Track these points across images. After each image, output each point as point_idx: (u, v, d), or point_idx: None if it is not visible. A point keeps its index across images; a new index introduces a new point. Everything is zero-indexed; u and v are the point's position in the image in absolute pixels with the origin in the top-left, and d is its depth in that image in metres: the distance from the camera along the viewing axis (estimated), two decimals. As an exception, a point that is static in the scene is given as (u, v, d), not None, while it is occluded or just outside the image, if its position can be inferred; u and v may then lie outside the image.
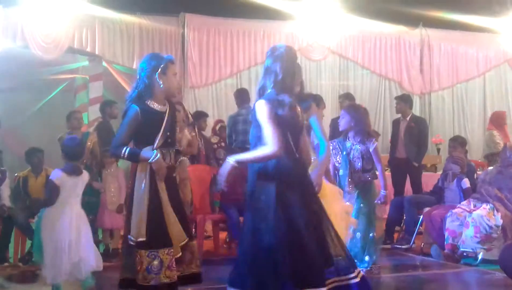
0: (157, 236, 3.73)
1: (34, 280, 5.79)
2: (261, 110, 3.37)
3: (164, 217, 3.77)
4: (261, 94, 3.51)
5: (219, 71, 10.42)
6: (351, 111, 5.62)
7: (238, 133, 7.94)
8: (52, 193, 4.73)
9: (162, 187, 3.81)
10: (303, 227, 3.32)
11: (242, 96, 8.47)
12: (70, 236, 4.69)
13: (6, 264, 6.30)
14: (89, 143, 7.09)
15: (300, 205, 3.36)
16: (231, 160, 3.35)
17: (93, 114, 10.21)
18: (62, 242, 4.63)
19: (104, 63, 10.15)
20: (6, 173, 6.81)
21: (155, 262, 3.69)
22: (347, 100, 8.53)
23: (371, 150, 5.46)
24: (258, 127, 3.40)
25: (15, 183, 6.84)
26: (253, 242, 3.35)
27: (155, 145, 3.79)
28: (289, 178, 3.39)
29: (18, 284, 5.64)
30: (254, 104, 3.46)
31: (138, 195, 3.76)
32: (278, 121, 3.36)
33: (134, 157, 3.77)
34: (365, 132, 5.53)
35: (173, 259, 3.76)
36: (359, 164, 5.47)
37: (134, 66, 9.69)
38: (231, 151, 7.10)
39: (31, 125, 10.54)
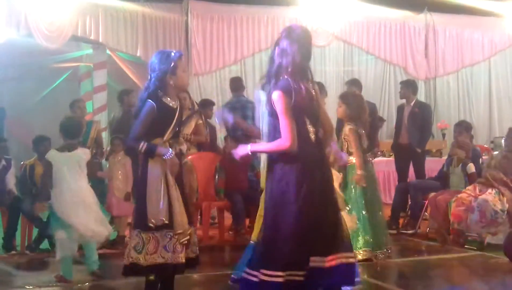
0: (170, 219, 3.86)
1: (42, 268, 5.84)
2: (278, 101, 3.38)
3: (172, 204, 3.88)
4: (276, 77, 3.48)
5: (223, 58, 10.40)
6: (347, 100, 5.70)
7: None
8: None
9: (172, 180, 3.94)
10: (321, 211, 3.40)
11: (235, 84, 8.43)
12: (78, 211, 4.88)
13: (13, 252, 6.34)
14: (92, 132, 7.09)
15: (318, 190, 3.41)
16: (248, 147, 3.49)
17: (97, 102, 10.24)
18: (70, 218, 4.87)
19: (108, 51, 10.15)
20: (11, 162, 6.85)
21: (169, 242, 3.82)
22: (354, 86, 8.50)
23: (346, 132, 5.63)
24: (274, 116, 3.43)
25: (22, 172, 6.86)
26: (275, 226, 3.42)
27: (164, 138, 3.92)
28: (307, 164, 3.42)
29: (26, 272, 5.68)
30: (271, 93, 3.44)
31: (154, 181, 3.86)
32: (295, 109, 3.38)
33: (150, 153, 3.88)
34: (361, 119, 5.64)
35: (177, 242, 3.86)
36: (345, 146, 5.62)
37: (138, 54, 9.70)
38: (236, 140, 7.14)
39: (35, 114, 10.56)
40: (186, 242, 3.86)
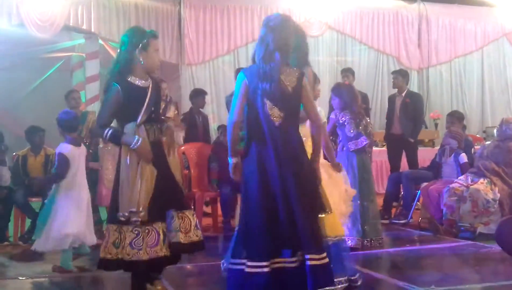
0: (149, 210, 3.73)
1: (35, 259, 5.81)
2: (237, 80, 3.56)
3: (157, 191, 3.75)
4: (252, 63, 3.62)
5: (216, 48, 10.38)
6: (340, 91, 5.73)
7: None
8: (63, 166, 4.84)
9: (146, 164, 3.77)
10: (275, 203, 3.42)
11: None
12: (79, 211, 4.90)
13: (6, 243, 6.33)
14: (87, 122, 7.07)
15: (273, 175, 3.43)
16: (230, 160, 3.60)
17: (90, 92, 10.18)
18: (78, 211, 4.87)
19: (100, 41, 10.09)
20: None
21: (138, 238, 3.69)
22: (350, 74, 8.50)
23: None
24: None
25: (14, 162, 6.83)
26: (243, 214, 3.54)
27: (138, 121, 3.74)
28: (265, 147, 3.46)
29: (19, 263, 5.67)
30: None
31: (124, 172, 3.74)
32: (251, 91, 3.48)
33: (116, 140, 3.76)
34: (355, 111, 5.68)
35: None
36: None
37: (131, 44, 9.64)
38: None
39: (27, 104, 10.50)
40: (138, 221, 3.67)
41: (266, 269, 3.35)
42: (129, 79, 3.76)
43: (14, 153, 6.99)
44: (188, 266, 5.01)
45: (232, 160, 3.59)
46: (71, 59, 10.89)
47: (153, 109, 3.83)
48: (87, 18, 9.26)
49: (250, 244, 3.43)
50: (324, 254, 3.44)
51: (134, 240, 3.67)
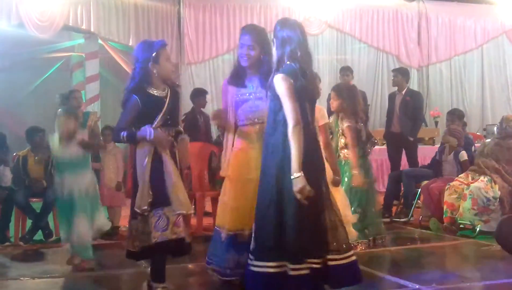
0: (160, 196, 3.81)
1: (36, 259, 5.84)
2: (280, 84, 3.38)
3: (166, 182, 3.84)
4: (278, 66, 3.49)
5: (216, 47, 10.39)
6: (342, 93, 5.58)
7: None
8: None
9: (166, 155, 3.89)
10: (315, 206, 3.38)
11: None
12: None
13: (7, 243, 6.33)
14: (89, 123, 7.08)
15: (311, 183, 3.34)
16: (297, 174, 3.28)
17: (90, 92, 10.19)
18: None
19: (100, 41, 10.10)
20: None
21: (161, 220, 3.79)
22: (349, 73, 8.49)
23: (344, 128, 5.45)
24: (277, 100, 3.42)
25: (14, 163, 6.83)
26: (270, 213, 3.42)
27: (154, 125, 3.86)
28: (305, 151, 3.37)
29: (20, 263, 5.67)
30: (272, 78, 3.46)
31: (140, 169, 3.85)
32: (297, 93, 3.38)
33: (132, 138, 3.87)
34: (356, 112, 5.53)
35: (180, 217, 3.83)
36: (343, 141, 5.48)
37: (130, 43, 9.66)
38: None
39: (27, 104, 10.52)
40: (179, 219, 3.81)
41: (271, 270, 3.34)
42: (148, 90, 3.92)
43: (14, 154, 6.99)
44: (189, 265, 5.02)
45: (301, 174, 3.28)
46: (71, 59, 10.89)
47: (168, 117, 3.96)
48: (86, 18, 9.27)
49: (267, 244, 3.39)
50: (347, 254, 3.48)
51: (158, 222, 3.77)
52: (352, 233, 4.76)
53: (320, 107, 5.10)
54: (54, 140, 5.11)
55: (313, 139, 3.53)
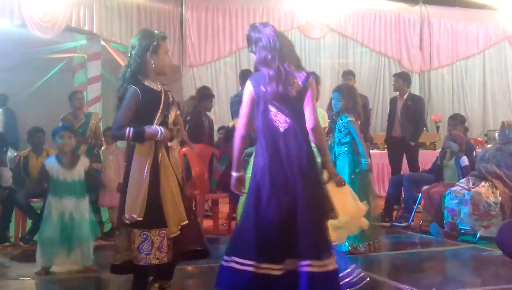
0: (151, 216, 3.69)
1: (35, 260, 5.82)
2: (244, 89, 3.49)
3: (162, 198, 3.73)
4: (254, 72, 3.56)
5: (218, 49, 10.40)
6: (344, 94, 5.65)
7: (233, 115, 7.90)
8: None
9: (165, 166, 3.78)
10: (284, 210, 3.33)
11: (242, 77, 8.38)
12: None
13: (7, 243, 6.32)
14: (91, 123, 7.09)
15: (280, 184, 3.33)
16: (233, 173, 3.55)
17: (92, 93, 10.19)
18: None
19: (102, 42, 10.10)
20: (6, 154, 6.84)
21: (146, 243, 3.66)
22: (352, 76, 8.50)
23: (345, 122, 5.54)
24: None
25: (15, 163, 6.84)
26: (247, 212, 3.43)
27: (154, 123, 3.75)
28: (273, 153, 3.37)
29: (19, 263, 5.67)
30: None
31: (138, 178, 3.69)
32: (258, 98, 3.41)
33: (139, 135, 3.68)
34: (357, 111, 5.62)
35: (165, 240, 3.71)
36: (338, 137, 5.59)
37: (133, 45, 9.66)
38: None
39: (29, 105, 10.52)
40: (163, 243, 3.68)
41: (251, 269, 3.29)
42: (145, 82, 3.75)
43: (15, 154, 6.99)
44: (189, 267, 5.01)
45: (235, 174, 3.53)
46: (73, 60, 10.91)
47: (166, 113, 3.85)
48: (89, 19, 9.28)
49: (249, 243, 3.35)
50: (326, 261, 3.33)
51: (142, 245, 3.66)
52: (365, 223, 4.76)
53: (322, 112, 5.13)
54: (51, 161, 4.97)
55: (291, 140, 3.41)
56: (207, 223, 7.16)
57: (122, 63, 10.08)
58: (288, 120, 3.41)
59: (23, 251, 6.08)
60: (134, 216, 3.64)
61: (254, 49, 3.50)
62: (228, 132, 7.35)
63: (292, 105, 3.43)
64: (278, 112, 3.40)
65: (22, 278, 4.90)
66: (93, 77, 10.34)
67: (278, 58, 3.41)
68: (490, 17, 11.95)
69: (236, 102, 7.71)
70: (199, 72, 10.34)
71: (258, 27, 3.51)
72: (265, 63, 3.42)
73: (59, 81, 10.76)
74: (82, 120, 7.04)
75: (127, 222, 3.67)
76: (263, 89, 3.39)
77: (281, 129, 3.40)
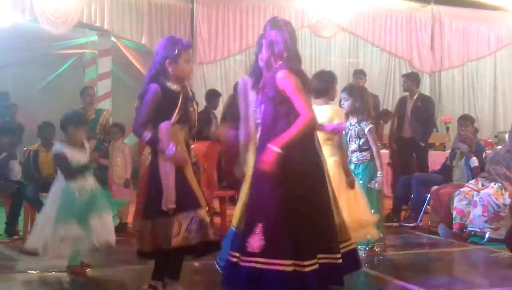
0: (189, 199, 3.84)
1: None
2: (287, 80, 3.39)
3: (190, 182, 3.88)
4: (268, 67, 3.54)
5: (228, 47, 10.40)
6: (353, 93, 5.59)
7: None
8: None
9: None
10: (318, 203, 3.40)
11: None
12: None
13: (16, 237, 6.35)
14: (101, 119, 7.12)
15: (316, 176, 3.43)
16: (275, 148, 3.32)
17: (102, 89, 10.24)
18: None
19: (113, 38, 10.14)
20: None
21: (194, 223, 3.78)
22: (363, 76, 8.48)
23: (366, 131, 5.44)
24: (279, 99, 3.42)
25: (25, 157, 6.87)
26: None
27: (172, 120, 3.83)
28: (307, 147, 3.42)
29: (28, 257, 5.67)
30: (266, 79, 3.47)
31: (164, 172, 3.80)
32: (303, 88, 3.42)
33: (154, 145, 3.84)
34: (367, 112, 5.54)
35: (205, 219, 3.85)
36: (356, 143, 5.47)
37: (143, 41, 9.69)
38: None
39: (40, 100, 10.57)
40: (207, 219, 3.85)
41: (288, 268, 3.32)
42: (165, 83, 3.86)
43: (25, 148, 7.03)
44: (196, 264, 5.01)
45: (280, 150, 3.34)
46: (84, 55, 10.95)
47: (183, 112, 3.93)
48: (100, 15, 9.30)
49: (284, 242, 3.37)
50: (334, 255, 3.42)
51: (190, 225, 3.77)
52: (374, 233, 4.76)
53: (339, 108, 5.11)
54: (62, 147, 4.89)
55: (316, 139, 3.56)
56: (214, 221, 7.18)
57: (133, 60, 10.19)
58: None
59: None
60: (171, 206, 3.75)
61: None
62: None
63: None
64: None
65: (30, 271, 4.92)
66: (103, 73, 10.39)
67: None
68: (502, 18, 11.89)
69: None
70: (208, 70, 10.35)
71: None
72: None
73: (70, 76, 10.81)
74: (92, 115, 7.07)
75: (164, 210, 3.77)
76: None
77: None
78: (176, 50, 3.84)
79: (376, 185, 5.38)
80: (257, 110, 4.06)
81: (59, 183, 4.74)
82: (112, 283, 4.80)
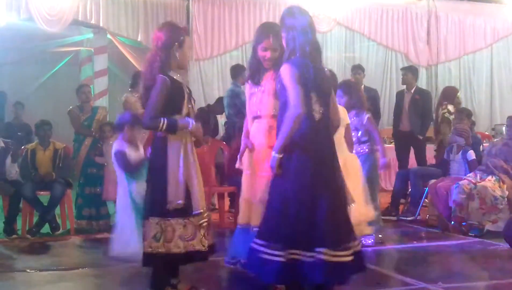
0: (188, 203, 3.79)
1: (42, 252, 5.86)
2: (285, 73, 3.42)
3: (195, 186, 3.83)
4: (289, 59, 3.53)
5: (224, 43, 10.38)
6: (348, 90, 5.61)
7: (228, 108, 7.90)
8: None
9: (193, 155, 3.87)
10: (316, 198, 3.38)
11: (232, 72, 8.31)
12: None
13: (14, 236, 6.35)
14: (98, 117, 7.10)
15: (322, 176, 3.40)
16: (275, 154, 3.40)
17: (98, 86, 10.23)
18: None
19: (108, 36, 10.12)
20: (10, 144, 6.88)
21: (187, 229, 3.76)
22: (361, 71, 8.47)
23: (364, 121, 5.50)
24: (284, 91, 3.44)
25: (23, 156, 6.86)
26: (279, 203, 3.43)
27: (182, 113, 3.80)
28: (309, 143, 3.41)
29: (27, 256, 5.70)
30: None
31: (174, 167, 3.75)
32: (302, 83, 3.39)
33: (173, 127, 3.72)
34: (361, 106, 5.62)
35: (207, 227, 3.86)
36: (354, 136, 5.51)
37: (139, 39, 9.67)
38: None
39: (36, 98, 10.57)
40: (205, 224, 3.82)
41: (281, 259, 3.33)
42: (169, 73, 3.79)
43: (22, 147, 7.02)
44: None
45: (278, 155, 3.40)
46: (80, 53, 10.95)
47: (190, 106, 3.90)
48: (95, 12, 9.28)
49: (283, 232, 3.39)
50: (342, 253, 3.38)
51: (182, 233, 3.75)
52: (368, 231, 4.79)
53: (342, 107, 5.13)
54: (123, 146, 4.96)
55: (323, 130, 3.51)
56: (213, 217, 7.18)
57: (129, 57, 10.18)
58: (322, 110, 3.49)
59: (30, 244, 6.12)
60: (180, 202, 3.72)
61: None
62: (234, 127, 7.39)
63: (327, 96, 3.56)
64: (317, 101, 3.47)
65: (29, 270, 4.92)
66: (99, 70, 10.38)
67: None
68: (498, 11, 11.89)
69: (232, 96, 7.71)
70: (205, 66, 10.33)
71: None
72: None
73: (66, 74, 10.81)
74: (89, 113, 7.06)
75: (169, 208, 3.72)
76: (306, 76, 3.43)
77: (316, 118, 3.47)
78: (182, 36, 3.83)
79: (382, 171, 5.50)
80: (252, 102, 4.07)
81: (122, 189, 4.82)
82: (114, 280, 4.80)
